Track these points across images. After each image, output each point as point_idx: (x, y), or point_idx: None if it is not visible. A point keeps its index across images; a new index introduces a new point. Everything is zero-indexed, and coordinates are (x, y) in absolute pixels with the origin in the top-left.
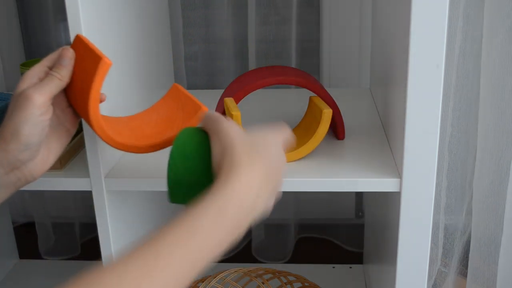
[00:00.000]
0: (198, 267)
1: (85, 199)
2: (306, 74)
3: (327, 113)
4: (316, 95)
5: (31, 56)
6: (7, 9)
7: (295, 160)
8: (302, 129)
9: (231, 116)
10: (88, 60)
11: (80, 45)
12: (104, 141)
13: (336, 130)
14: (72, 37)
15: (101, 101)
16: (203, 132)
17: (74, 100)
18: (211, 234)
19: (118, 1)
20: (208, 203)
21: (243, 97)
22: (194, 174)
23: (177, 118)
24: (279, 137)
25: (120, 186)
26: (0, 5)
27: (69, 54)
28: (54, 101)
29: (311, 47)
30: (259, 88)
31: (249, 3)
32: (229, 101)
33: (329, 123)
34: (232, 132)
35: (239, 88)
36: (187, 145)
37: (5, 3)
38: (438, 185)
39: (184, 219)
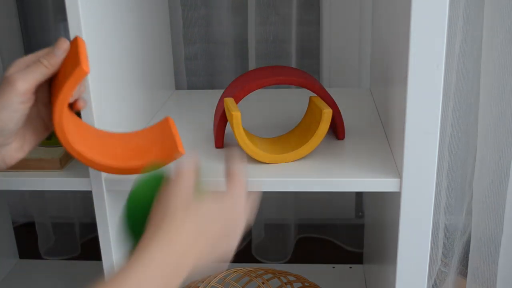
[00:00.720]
0: None
1: (85, 199)
2: (306, 74)
3: (327, 113)
4: (316, 95)
5: None
6: (7, 9)
7: (295, 160)
8: (302, 129)
9: (231, 116)
10: (72, 62)
11: (74, 46)
12: (62, 144)
13: (336, 130)
14: (72, 37)
15: (80, 108)
16: (160, 179)
17: (52, 97)
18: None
19: (118, 1)
20: (133, 262)
21: (243, 97)
22: (141, 220)
23: (152, 151)
24: (237, 202)
25: (120, 186)
26: (0, 5)
27: (64, 46)
28: (38, 93)
29: (311, 47)
30: (259, 88)
31: (249, 3)
32: (229, 101)
33: (329, 123)
34: (178, 193)
35: (239, 88)
36: (141, 193)
37: (5, 3)
38: (438, 185)
39: (113, 279)
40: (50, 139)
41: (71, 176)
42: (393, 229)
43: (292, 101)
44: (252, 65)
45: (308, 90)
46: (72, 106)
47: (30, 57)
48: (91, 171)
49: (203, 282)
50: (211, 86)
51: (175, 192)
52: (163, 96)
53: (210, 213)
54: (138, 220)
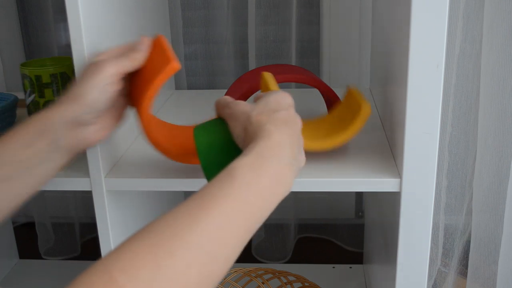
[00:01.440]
0: (251, 218)
1: (85, 199)
2: (311, 73)
3: (367, 108)
4: (319, 91)
5: (31, 56)
6: (7, 9)
7: (325, 149)
8: (335, 120)
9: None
10: (159, 59)
11: (157, 44)
12: (145, 134)
13: None
14: (72, 37)
15: None
16: (218, 121)
17: (134, 92)
18: (254, 183)
19: (118, 1)
20: (246, 158)
21: (251, 96)
22: (224, 157)
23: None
24: (289, 98)
25: (120, 186)
26: (0, 5)
27: (147, 42)
28: (120, 84)
29: (311, 47)
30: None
31: (249, 3)
32: (268, 76)
33: (366, 119)
34: (244, 108)
35: (245, 87)
36: (208, 137)
37: (5, 3)
38: (438, 185)
39: (224, 174)
40: None
41: (71, 176)
42: (393, 229)
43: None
44: (252, 65)
45: (308, 90)
46: None
47: (115, 50)
48: (91, 171)
49: None
50: (211, 86)
51: (242, 113)
52: (163, 96)
53: (284, 116)
54: (215, 163)
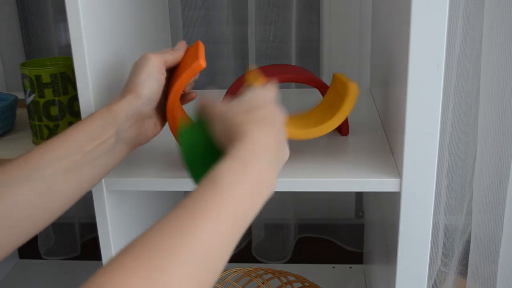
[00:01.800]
0: (237, 223)
1: (85, 199)
2: (311, 73)
3: (353, 87)
4: (320, 92)
5: (31, 56)
6: (7, 9)
7: (319, 136)
8: (326, 106)
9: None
10: (191, 59)
11: (195, 48)
12: (170, 127)
13: (341, 126)
14: (72, 37)
15: (191, 99)
16: (199, 121)
17: (169, 88)
18: (237, 189)
19: (118, 1)
20: (227, 163)
21: None
22: (208, 158)
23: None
24: (268, 93)
25: (120, 186)
26: (0, 5)
27: (183, 43)
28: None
29: (311, 47)
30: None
31: (249, 3)
32: (251, 74)
33: (355, 98)
34: (221, 110)
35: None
36: (191, 139)
37: (5, 3)
38: (438, 185)
39: (207, 181)
40: None
41: None
42: (393, 229)
43: (293, 100)
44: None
45: (308, 90)
46: (182, 99)
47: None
48: None
49: None
50: (211, 86)
51: (220, 114)
52: None
53: (261, 114)
54: (199, 164)
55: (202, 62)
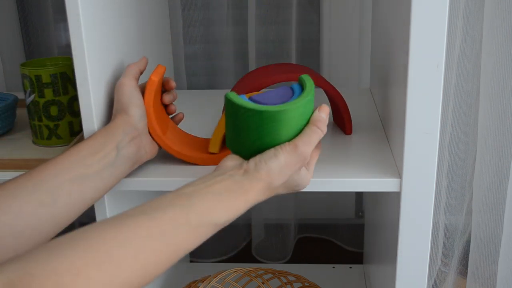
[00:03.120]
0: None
1: None
2: (313, 71)
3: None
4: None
5: (31, 56)
6: (7, 9)
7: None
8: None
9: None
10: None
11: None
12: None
13: (344, 125)
14: (72, 37)
15: (179, 120)
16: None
17: None
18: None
19: (118, 1)
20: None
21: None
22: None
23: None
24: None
25: (120, 186)
26: (0, 5)
27: (145, 60)
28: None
29: (311, 47)
30: (272, 84)
31: (249, 3)
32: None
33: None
34: (304, 156)
35: (250, 85)
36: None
37: (5, 3)
38: (438, 185)
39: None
40: (51, 139)
41: None
42: (393, 229)
43: None
44: (252, 65)
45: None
46: (174, 119)
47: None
48: None
49: (203, 282)
50: (211, 86)
51: (303, 157)
52: None
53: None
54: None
55: (153, 77)
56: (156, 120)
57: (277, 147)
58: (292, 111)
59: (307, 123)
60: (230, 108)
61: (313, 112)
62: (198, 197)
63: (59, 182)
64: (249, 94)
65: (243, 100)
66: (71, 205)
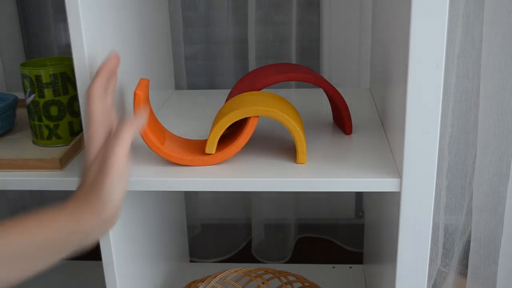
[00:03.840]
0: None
1: None
2: (314, 71)
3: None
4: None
5: (31, 56)
6: (7, 9)
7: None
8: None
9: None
10: None
11: None
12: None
13: (344, 125)
14: (72, 37)
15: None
16: None
17: None
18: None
19: (118, 1)
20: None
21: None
22: None
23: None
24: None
25: None
26: (0, 5)
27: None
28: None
29: (311, 47)
30: (272, 84)
31: (249, 3)
32: None
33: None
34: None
35: (250, 84)
36: None
37: (5, 3)
38: (438, 185)
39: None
40: (51, 139)
41: (71, 176)
42: (393, 229)
43: (292, 100)
44: (252, 65)
45: (311, 90)
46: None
47: None
48: None
49: (203, 282)
50: (211, 86)
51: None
52: (163, 96)
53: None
54: None
55: (138, 92)
56: (152, 133)
57: None
58: None
59: None
60: None
61: None
62: None
63: None
64: (250, 93)
65: None
66: None
